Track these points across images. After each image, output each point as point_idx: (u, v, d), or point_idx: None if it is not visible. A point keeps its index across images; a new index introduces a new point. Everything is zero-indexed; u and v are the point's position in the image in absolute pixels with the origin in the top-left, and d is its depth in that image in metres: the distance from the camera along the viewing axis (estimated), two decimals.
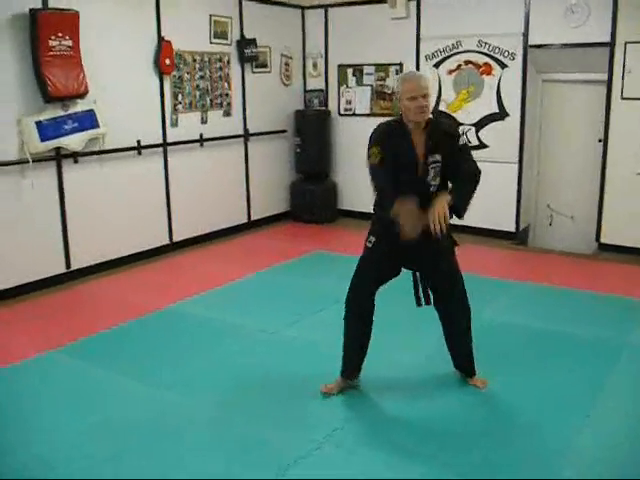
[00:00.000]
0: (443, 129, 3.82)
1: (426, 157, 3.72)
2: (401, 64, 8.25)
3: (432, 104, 3.84)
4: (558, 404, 3.96)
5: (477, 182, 3.79)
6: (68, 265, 6.39)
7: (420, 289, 4.04)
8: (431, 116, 3.81)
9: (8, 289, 5.91)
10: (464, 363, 4.21)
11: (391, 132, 3.79)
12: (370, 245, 3.97)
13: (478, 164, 3.81)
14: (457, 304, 4.07)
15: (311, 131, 8.80)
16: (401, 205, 3.55)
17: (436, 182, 3.78)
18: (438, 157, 3.72)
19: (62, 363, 4.61)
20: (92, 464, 3.38)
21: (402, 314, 4.89)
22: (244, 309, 5.64)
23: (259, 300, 5.89)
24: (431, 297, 4.04)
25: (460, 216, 3.79)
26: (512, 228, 7.84)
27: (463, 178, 3.77)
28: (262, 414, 3.88)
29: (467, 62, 7.78)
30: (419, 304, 4.07)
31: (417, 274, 4.04)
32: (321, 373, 4.22)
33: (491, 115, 7.74)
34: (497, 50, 7.55)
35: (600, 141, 7.24)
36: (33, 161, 5.89)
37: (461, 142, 3.84)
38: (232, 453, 3.48)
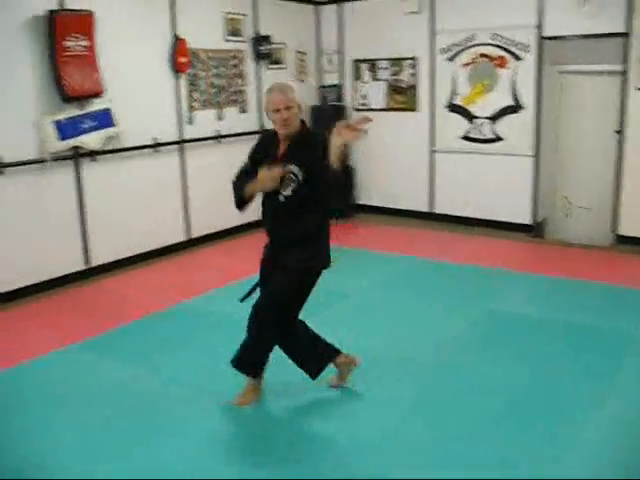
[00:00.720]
0: (306, 140, 3.74)
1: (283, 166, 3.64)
2: (416, 58, 8.26)
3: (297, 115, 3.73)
4: (568, 396, 3.97)
5: (337, 187, 3.59)
6: (87, 262, 6.48)
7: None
8: (305, 129, 3.81)
9: (28, 286, 6.01)
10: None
11: (264, 140, 3.97)
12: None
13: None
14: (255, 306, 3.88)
15: (327, 126, 8.78)
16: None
17: (286, 192, 3.67)
18: (293, 168, 3.63)
19: (80, 358, 4.69)
20: (103, 457, 3.45)
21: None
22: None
23: None
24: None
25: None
26: (529, 221, 7.82)
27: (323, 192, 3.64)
28: (274, 407, 3.94)
29: (482, 55, 7.77)
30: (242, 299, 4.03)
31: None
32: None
33: (506, 108, 7.72)
34: (511, 43, 7.52)
35: (617, 132, 7.20)
36: (52, 160, 5.99)
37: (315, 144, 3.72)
38: (234, 445, 3.54)
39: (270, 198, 3.77)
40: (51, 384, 4.30)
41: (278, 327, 3.88)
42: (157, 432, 3.67)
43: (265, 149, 3.85)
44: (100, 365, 4.55)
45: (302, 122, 3.82)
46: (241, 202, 3.85)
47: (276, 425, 3.78)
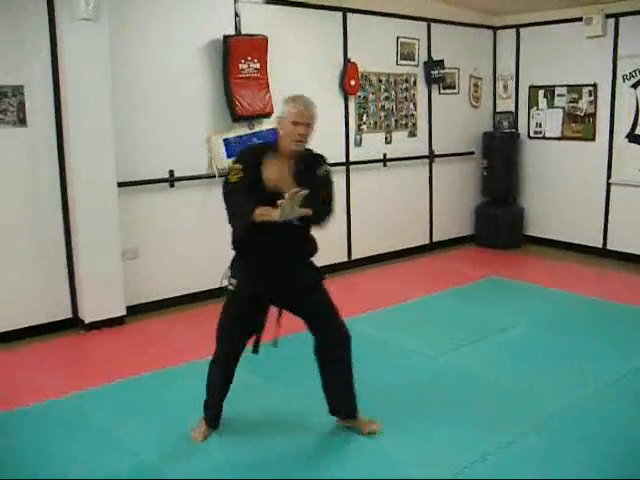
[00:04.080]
0: (313, 160, 3.63)
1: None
2: (595, 85, 7.85)
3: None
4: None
5: (327, 213, 3.59)
6: None
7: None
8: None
9: (191, 294, 6.35)
10: (346, 402, 3.80)
11: (253, 157, 3.53)
12: (232, 288, 3.62)
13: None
14: (337, 333, 3.69)
15: (499, 154, 8.60)
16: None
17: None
18: (305, 190, 3.28)
19: None
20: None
21: None
22: (407, 330, 5.59)
23: (425, 322, 5.83)
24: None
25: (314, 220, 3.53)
26: None
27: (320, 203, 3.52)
28: (397, 437, 3.84)
29: None
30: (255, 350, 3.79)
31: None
32: (462, 400, 4.08)
33: None
34: None
35: None
36: (219, 176, 6.27)
37: (320, 173, 3.60)
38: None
39: (274, 225, 3.33)
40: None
41: None
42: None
43: (257, 167, 3.47)
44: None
45: None
46: (248, 229, 3.42)
47: None
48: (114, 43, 5.55)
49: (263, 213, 3.30)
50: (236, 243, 3.61)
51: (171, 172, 6.06)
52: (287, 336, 4.93)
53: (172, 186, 6.10)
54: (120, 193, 5.71)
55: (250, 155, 3.58)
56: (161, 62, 5.94)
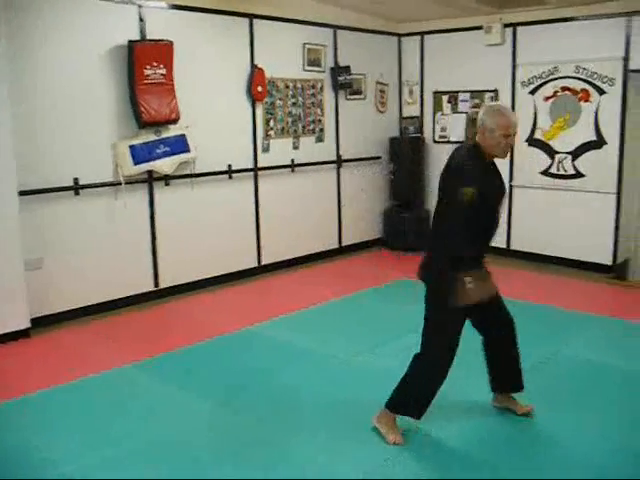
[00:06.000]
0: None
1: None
2: (496, 91, 8.12)
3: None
4: (630, 452, 3.73)
5: None
6: (156, 284, 6.63)
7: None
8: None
9: (99, 303, 6.20)
10: (517, 376, 4.07)
11: (478, 164, 3.59)
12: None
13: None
14: (506, 311, 4.00)
15: (406, 158, 8.78)
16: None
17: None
18: None
19: (134, 378, 4.76)
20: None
21: None
22: (320, 334, 5.66)
23: (337, 325, 5.91)
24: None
25: None
26: (608, 261, 7.49)
27: None
28: (315, 441, 3.87)
29: (564, 88, 7.55)
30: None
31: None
32: (377, 401, 4.13)
33: (588, 143, 7.45)
34: (595, 76, 7.28)
35: None
36: (126, 183, 6.17)
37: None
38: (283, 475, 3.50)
39: (494, 220, 3.72)
40: (98, 401, 4.40)
41: None
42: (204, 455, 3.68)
43: (485, 177, 3.61)
44: (150, 386, 4.62)
45: None
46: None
47: None
48: (14, 49, 5.40)
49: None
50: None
51: (76, 180, 5.92)
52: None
53: (77, 194, 5.95)
54: (23, 202, 5.55)
55: (475, 163, 3.61)
56: (64, 68, 5.79)
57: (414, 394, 3.79)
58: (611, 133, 7.29)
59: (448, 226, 3.56)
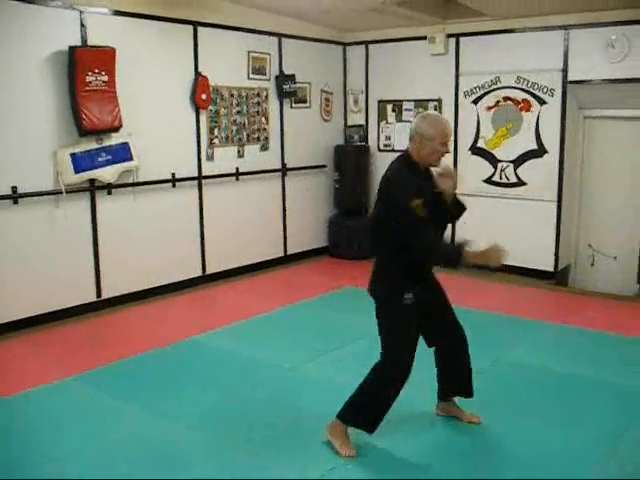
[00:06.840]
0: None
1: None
2: (440, 100, 8.22)
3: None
4: (570, 453, 3.79)
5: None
6: (99, 294, 6.49)
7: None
8: None
9: (38, 315, 6.03)
10: (466, 382, 4.08)
11: (412, 173, 3.63)
12: (409, 302, 3.68)
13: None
14: (457, 322, 4.02)
15: (350, 166, 8.81)
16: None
17: None
18: None
19: (76, 390, 4.66)
20: None
21: None
22: (265, 343, 5.62)
23: (283, 334, 5.88)
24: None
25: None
26: (550, 267, 7.63)
27: None
28: (263, 449, 3.83)
29: (506, 98, 7.70)
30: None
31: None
32: (323, 410, 4.12)
33: (530, 152, 7.61)
34: (536, 86, 7.44)
35: None
36: (67, 192, 6.04)
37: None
38: None
39: (435, 234, 3.73)
40: (39, 415, 4.27)
41: None
42: (149, 466, 3.60)
43: (420, 184, 3.61)
44: (92, 398, 4.51)
45: None
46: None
47: None
48: None
49: (471, 259, 3.62)
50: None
51: (14, 188, 5.76)
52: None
53: (16, 202, 5.79)
54: None
55: (408, 172, 3.64)
56: (2, 74, 5.62)
57: (369, 403, 3.76)
58: (551, 142, 7.45)
59: (409, 240, 3.55)
